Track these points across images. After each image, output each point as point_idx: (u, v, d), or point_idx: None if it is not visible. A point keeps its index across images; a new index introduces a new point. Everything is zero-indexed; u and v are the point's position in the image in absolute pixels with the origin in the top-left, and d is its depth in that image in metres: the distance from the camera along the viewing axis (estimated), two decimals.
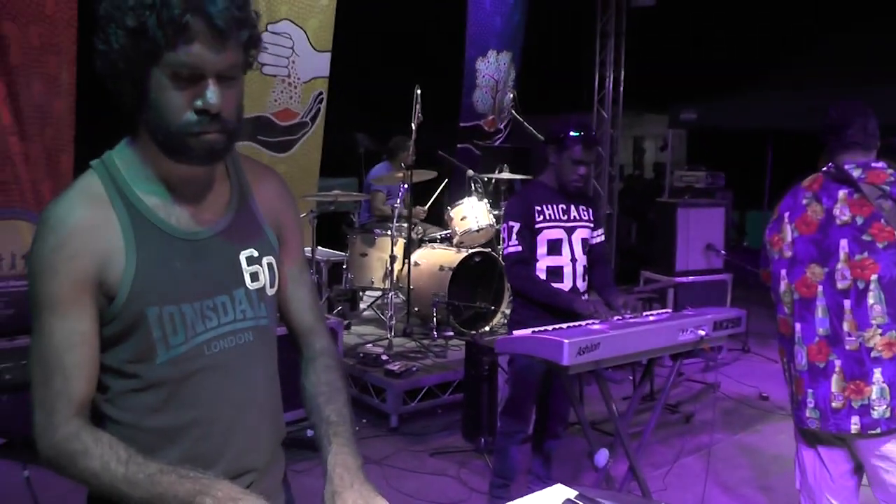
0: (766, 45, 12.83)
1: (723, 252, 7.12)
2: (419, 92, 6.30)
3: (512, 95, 8.50)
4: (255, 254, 1.63)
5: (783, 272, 2.89)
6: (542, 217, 3.78)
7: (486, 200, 6.98)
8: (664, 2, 10.63)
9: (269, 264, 1.66)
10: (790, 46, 12.36)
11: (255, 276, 1.62)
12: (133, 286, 1.46)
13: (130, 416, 1.53)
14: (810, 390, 2.82)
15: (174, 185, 1.54)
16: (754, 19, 13.18)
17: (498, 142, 9.59)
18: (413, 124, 6.33)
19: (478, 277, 6.72)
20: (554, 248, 3.80)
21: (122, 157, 1.55)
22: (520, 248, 3.75)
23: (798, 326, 2.83)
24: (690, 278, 6.95)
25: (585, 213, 3.91)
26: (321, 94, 7.37)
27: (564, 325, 3.33)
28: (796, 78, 11.24)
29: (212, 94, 1.41)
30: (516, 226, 3.75)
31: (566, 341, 2.93)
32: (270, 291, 1.67)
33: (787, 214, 2.92)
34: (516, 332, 3.33)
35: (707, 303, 5.79)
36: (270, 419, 1.69)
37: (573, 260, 3.83)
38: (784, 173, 9.51)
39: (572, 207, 3.87)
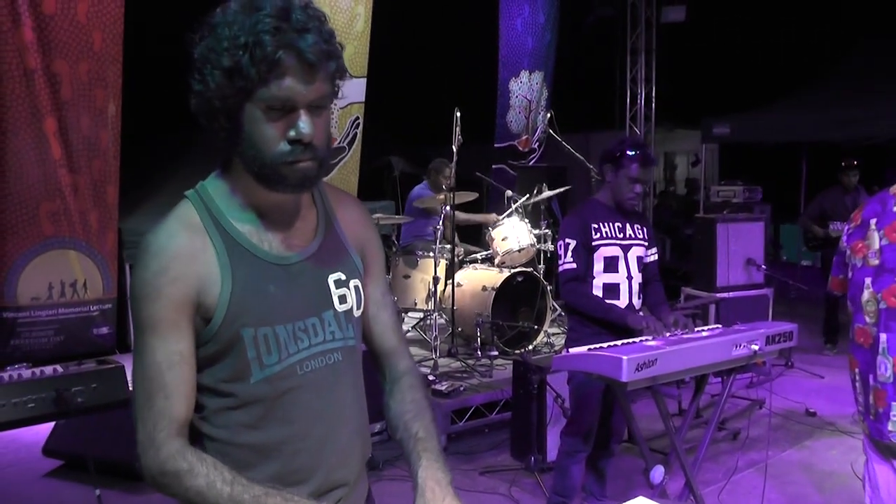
0: (799, 56, 12.82)
1: (763, 266, 7.08)
2: (459, 114, 6.36)
3: (549, 114, 8.57)
4: (343, 277, 1.69)
5: (868, 280, 2.81)
6: (598, 234, 3.82)
7: (526, 220, 7.02)
8: (694, 16, 10.67)
9: (356, 287, 1.72)
10: (822, 58, 12.33)
11: (342, 299, 1.69)
12: (229, 308, 1.53)
13: (225, 433, 1.59)
14: (895, 403, 2.75)
15: (265, 212, 1.61)
16: (785, 32, 13.16)
17: (532, 161, 9.65)
18: (453, 146, 6.39)
19: (520, 297, 6.74)
20: (610, 265, 3.84)
21: (215, 186, 1.62)
22: (574, 266, 3.78)
23: (884, 337, 2.76)
24: (732, 294, 6.90)
25: (640, 231, 3.95)
26: (357, 119, 7.46)
27: (619, 342, 3.36)
28: (829, 90, 11.20)
29: (304, 124, 1.48)
30: (572, 243, 3.79)
31: (625, 357, 2.96)
32: (357, 313, 1.73)
33: (873, 221, 2.82)
34: (573, 350, 3.35)
35: (749, 318, 5.77)
36: (359, 436, 1.75)
37: (629, 277, 3.86)
38: (818, 186, 9.49)
39: (628, 225, 3.90)
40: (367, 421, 1.79)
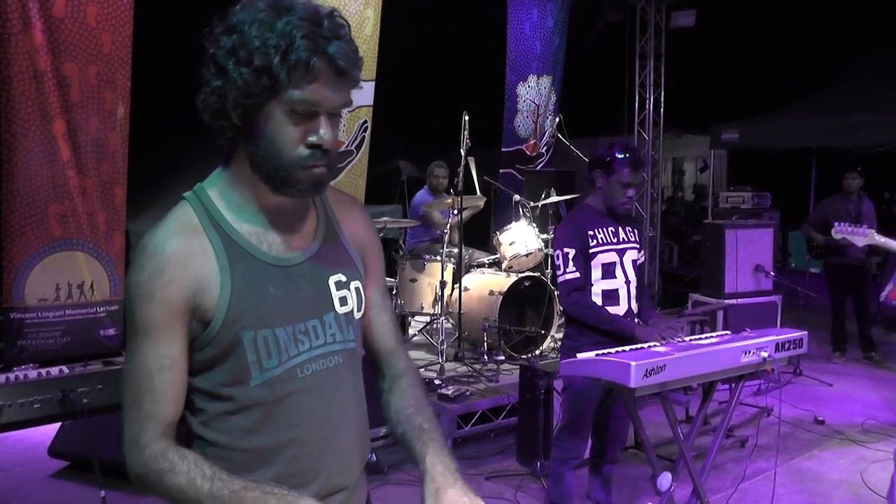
0: (808, 62, 12.78)
1: (772, 273, 7.04)
2: (467, 118, 6.34)
3: (557, 119, 8.55)
4: (343, 279, 1.68)
5: None
6: (595, 241, 3.77)
7: (534, 225, 7.00)
8: (704, 22, 10.62)
9: (357, 289, 1.71)
10: (832, 64, 12.28)
11: (343, 301, 1.67)
12: (228, 311, 1.51)
13: (225, 438, 1.57)
14: None
15: (265, 213, 1.60)
16: (795, 38, 13.12)
17: (540, 166, 9.62)
18: (462, 150, 6.37)
19: (527, 302, 6.72)
20: (608, 271, 3.79)
21: (214, 187, 1.61)
22: (577, 275, 3.73)
23: None
24: (740, 300, 6.87)
25: (632, 233, 3.91)
26: (366, 122, 7.44)
27: (627, 348, 3.33)
28: (839, 96, 11.17)
29: (325, 130, 1.48)
30: (572, 251, 3.73)
31: (633, 363, 2.93)
32: (357, 315, 1.71)
33: None
34: (580, 355, 3.31)
35: (758, 325, 5.70)
36: (359, 439, 1.73)
37: (627, 282, 3.82)
38: (827, 192, 9.46)
39: (620, 229, 3.86)
40: (367, 424, 1.77)
